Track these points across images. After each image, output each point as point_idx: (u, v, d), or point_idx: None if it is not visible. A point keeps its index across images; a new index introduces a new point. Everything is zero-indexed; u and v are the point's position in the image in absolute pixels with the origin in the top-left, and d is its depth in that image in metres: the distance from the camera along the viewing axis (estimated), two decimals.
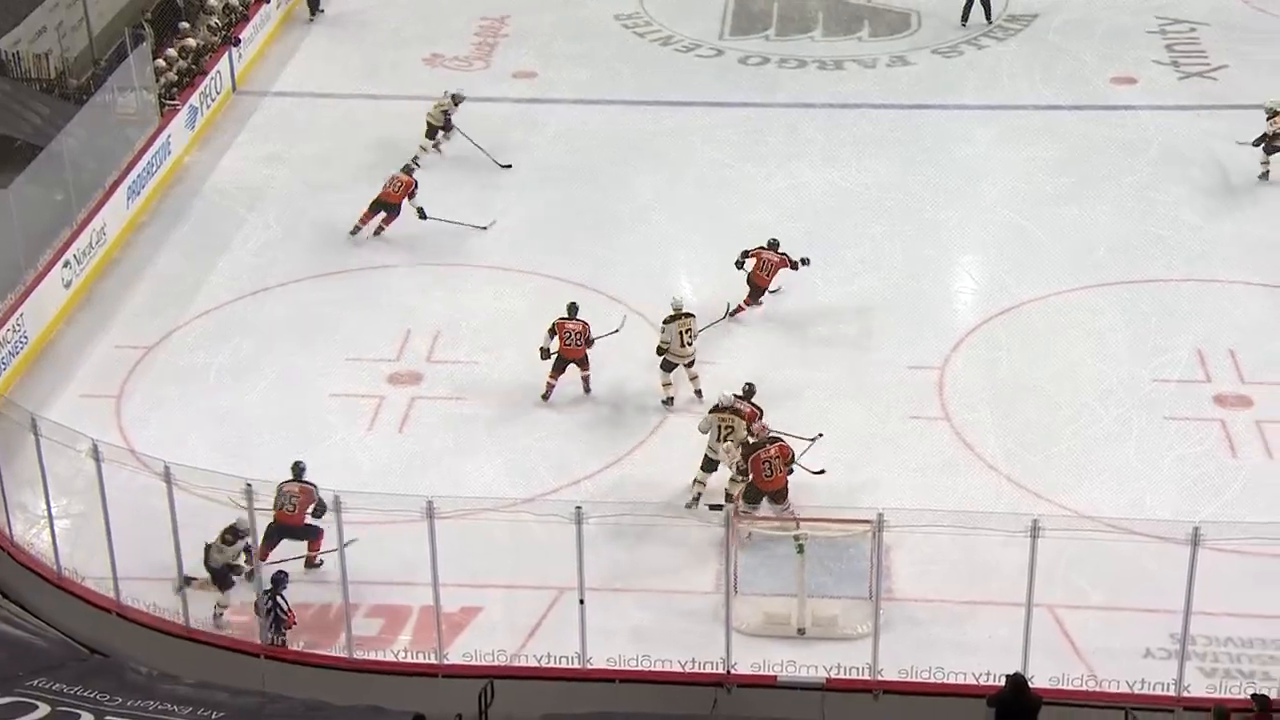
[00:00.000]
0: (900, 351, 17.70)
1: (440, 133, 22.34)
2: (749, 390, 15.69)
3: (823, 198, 21.23)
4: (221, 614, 13.89)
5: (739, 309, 18.22)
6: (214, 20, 24.80)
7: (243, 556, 13.77)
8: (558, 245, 20.21)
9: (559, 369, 16.95)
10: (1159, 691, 12.83)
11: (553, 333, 16.89)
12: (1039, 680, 12.59)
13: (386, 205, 20.23)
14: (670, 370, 16.85)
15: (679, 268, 19.87)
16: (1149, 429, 16.39)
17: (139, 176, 21.12)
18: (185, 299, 19.19)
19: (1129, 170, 21.61)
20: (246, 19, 25.43)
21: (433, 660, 13.37)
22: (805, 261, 18.22)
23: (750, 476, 14.60)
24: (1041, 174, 21.70)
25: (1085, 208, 20.75)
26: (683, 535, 14.47)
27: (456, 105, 22.34)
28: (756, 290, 18.29)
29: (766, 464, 14.53)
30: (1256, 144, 20.96)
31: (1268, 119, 20.98)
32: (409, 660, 13.52)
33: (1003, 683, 12.31)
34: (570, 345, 16.87)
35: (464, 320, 18.65)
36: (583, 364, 17.00)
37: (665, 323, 16.79)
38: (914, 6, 27.09)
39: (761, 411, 15.54)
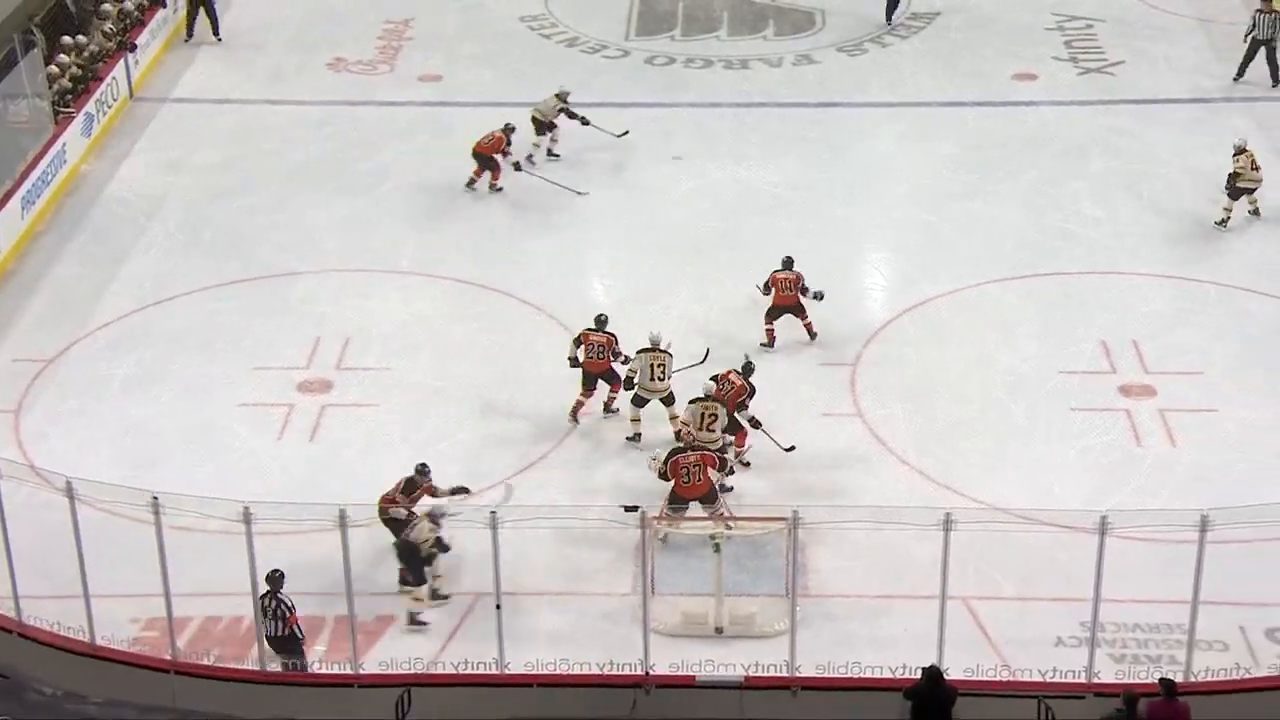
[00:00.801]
0: (812, 349, 17.86)
1: (548, 131, 22.14)
2: (748, 368, 15.91)
3: (732, 196, 21.35)
4: (418, 613, 13.98)
5: (811, 331, 17.83)
6: (108, 25, 24.39)
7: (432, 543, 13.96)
8: (468, 248, 20.15)
9: (588, 386, 16.53)
10: (1070, 679, 13.06)
11: (578, 343, 16.59)
12: (954, 672, 12.76)
13: (480, 158, 21.03)
14: (641, 405, 16.34)
15: (591, 269, 19.90)
16: (1056, 420, 16.69)
17: (34, 186, 20.70)
18: (85, 310, 18.88)
19: (1032, 165, 21.98)
20: (142, 24, 25.04)
21: (348, 670, 13.27)
22: (819, 296, 17.65)
23: (671, 481, 14.61)
24: (947, 170, 22.00)
25: (990, 203, 21.07)
26: (599, 537, 14.48)
27: (563, 101, 22.15)
28: (788, 310, 17.73)
29: (685, 470, 14.53)
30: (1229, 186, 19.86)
31: (1234, 155, 19.88)
32: (324, 671, 13.40)
33: (919, 676, 12.47)
34: (593, 358, 16.50)
35: (374, 326, 18.52)
36: (609, 379, 16.51)
37: (638, 353, 16.42)
38: (818, 5, 27.33)
39: (754, 389, 15.75)
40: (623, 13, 27.26)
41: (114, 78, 23.61)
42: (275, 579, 13.22)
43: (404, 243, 20.34)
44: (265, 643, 13.26)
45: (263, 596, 13.21)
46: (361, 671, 13.27)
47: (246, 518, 12.76)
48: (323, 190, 21.57)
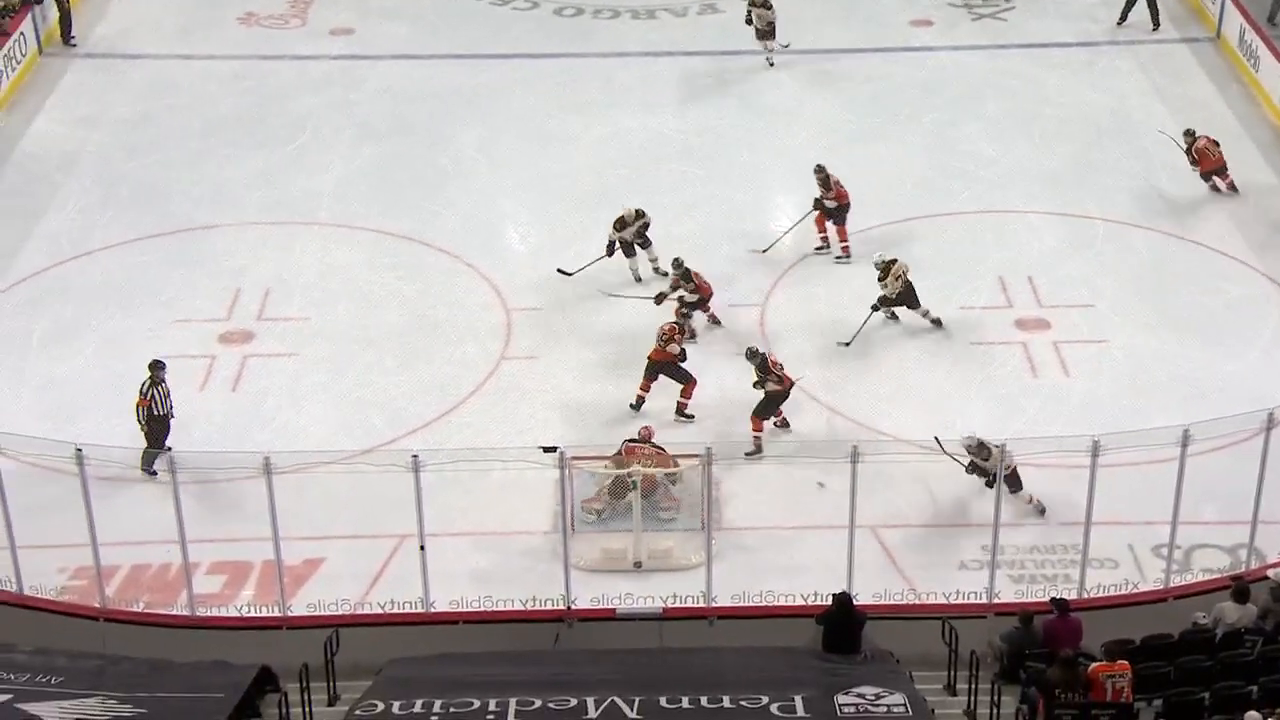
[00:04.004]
0: (721, 290, 17.85)
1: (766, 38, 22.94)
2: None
3: (641, 145, 21.24)
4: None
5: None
6: None
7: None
8: (384, 199, 19.91)
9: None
10: (973, 600, 13.29)
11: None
12: (863, 597, 12.94)
13: None
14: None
15: (506, 218, 19.75)
16: (957, 354, 16.89)
17: None
18: (1, 266, 18.40)
19: (930, 108, 22.09)
20: None
21: (276, 613, 13.18)
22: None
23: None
24: (848, 115, 22.06)
25: (891, 146, 21.16)
26: (518, 478, 14.42)
27: (758, 7, 22.80)
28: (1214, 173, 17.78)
29: (638, 457, 14.23)
30: None
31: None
32: (253, 615, 13.30)
33: (830, 602, 12.62)
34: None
35: (294, 277, 18.28)
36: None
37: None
38: None
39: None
40: None
41: (22, 33, 22.89)
42: (158, 364, 14.95)
43: (321, 194, 20.04)
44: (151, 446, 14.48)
45: (153, 385, 14.72)
46: (290, 614, 13.18)
47: (172, 466, 12.59)
48: (238, 144, 21.17)
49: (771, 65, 22.97)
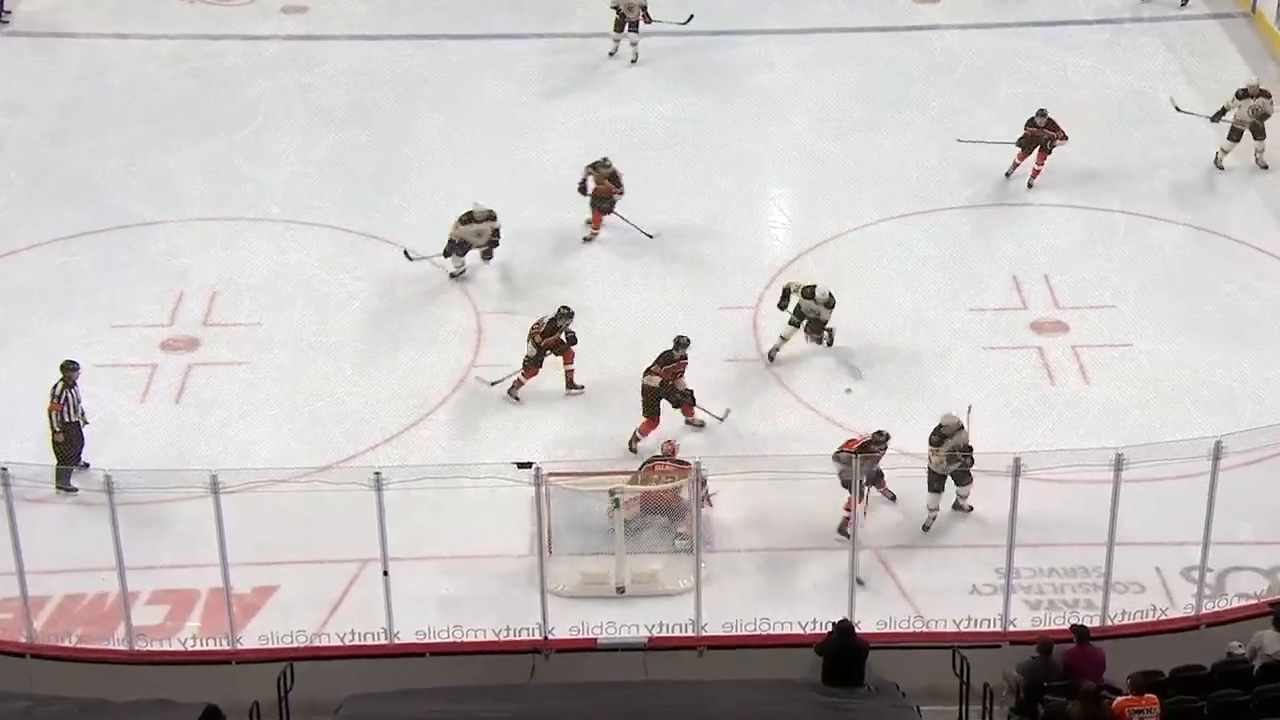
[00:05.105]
0: (711, 292, 17.93)
1: (628, 26, 22.55)
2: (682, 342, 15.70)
3: (621, 133, 21.24)
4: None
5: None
6: None
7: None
8: (340, 193, 19.93)
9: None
10: (986, 628, 13.31)
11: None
12: (866, 625, 12.95)
13: None
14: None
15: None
16: (967, 360, 16.95)
17: None
18: None
19: (937, 93, 22.19)
20: None
21: (225, 646, 13.16)
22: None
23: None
24: (849, 100, 22.14)
25: (894, 134, 21.25)
26: (490, 497, 14.43)
27: None
28: None
29: (659, 477, 14.39)
30: (1215, 119, 19.93)
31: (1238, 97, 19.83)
32: (198, 648, 13.28)
33: (829, 630, 12.63)
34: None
35: (243, 278, 18.27)
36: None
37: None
38: None
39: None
40: None
41: None
42: (71, 364, 14.94)
43: (272, 187, 20.04)
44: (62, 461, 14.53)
45: (66, 387, 14.69)
46: (239, 646, 13.16)
47: (109, 486, 12.53)
48: (182, 132, 21.16)
49: (634, 61, 22.84)
